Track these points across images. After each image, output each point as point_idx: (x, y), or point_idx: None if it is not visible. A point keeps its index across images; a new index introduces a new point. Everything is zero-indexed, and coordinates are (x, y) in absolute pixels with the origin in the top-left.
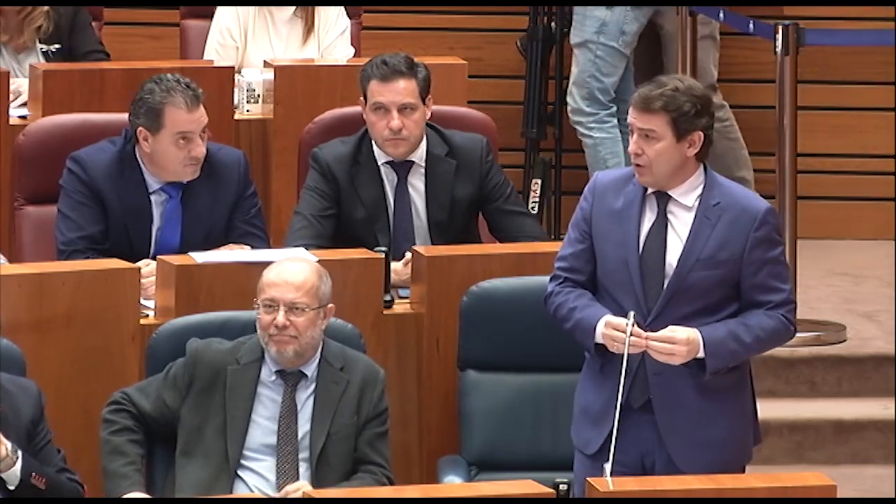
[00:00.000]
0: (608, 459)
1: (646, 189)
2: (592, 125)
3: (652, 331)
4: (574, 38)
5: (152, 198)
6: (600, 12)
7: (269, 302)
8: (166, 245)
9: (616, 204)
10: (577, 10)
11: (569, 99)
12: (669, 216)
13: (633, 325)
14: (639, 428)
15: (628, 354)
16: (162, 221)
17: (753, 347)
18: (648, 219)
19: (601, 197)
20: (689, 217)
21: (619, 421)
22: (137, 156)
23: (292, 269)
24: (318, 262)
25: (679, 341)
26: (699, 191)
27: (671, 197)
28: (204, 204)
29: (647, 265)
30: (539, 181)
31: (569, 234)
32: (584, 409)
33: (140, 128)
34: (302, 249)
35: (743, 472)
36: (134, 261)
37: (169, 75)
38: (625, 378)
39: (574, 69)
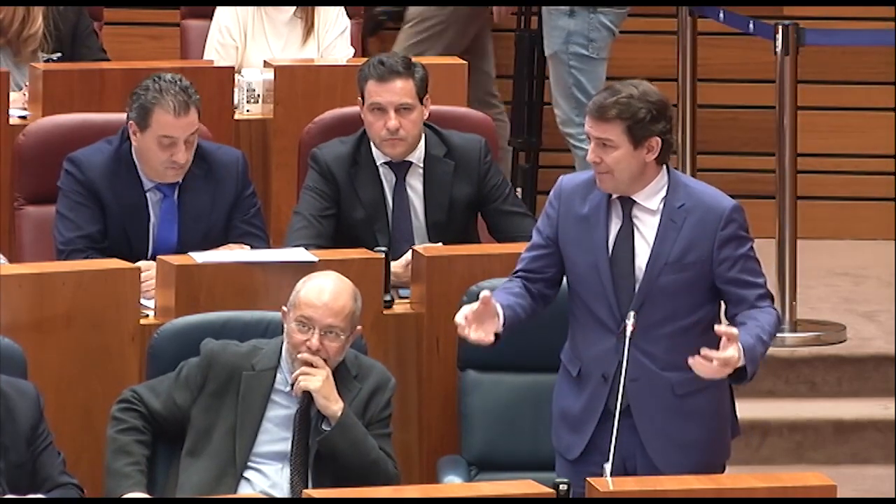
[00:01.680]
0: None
1: (610, 194)
2: (583, 137)
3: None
4: (546, 49)
5: (148, 195)
6: (563, 22)
7: (304, 321)
8: (164, 243)
9: (582, 209)
10: (545, 21)
11: (557, 111)
12: (635, 220)
13: (632, 325)
14: (620, 432)
15: (628, 353)
16: (157, 220)
17: (768, 344)
18: (615, 224)
19: (567, 202)
20: (654, 221)
21: (599, 425)
22: (133, 154)
23: (331, 290)
24: (319, 261)
25: (730, 361)
26: (663, 193)
27: (635, 201)
28: (202, 203)
29: (618, 270)
30: (520, 189)
31: (533, 237)
32: (563, 413)
33: (131, 122)
34: (302, 249)
35: (723, 470)
36: (133, 260)
37: (169, 75)
38: (623, 381)
39: (553, 81)
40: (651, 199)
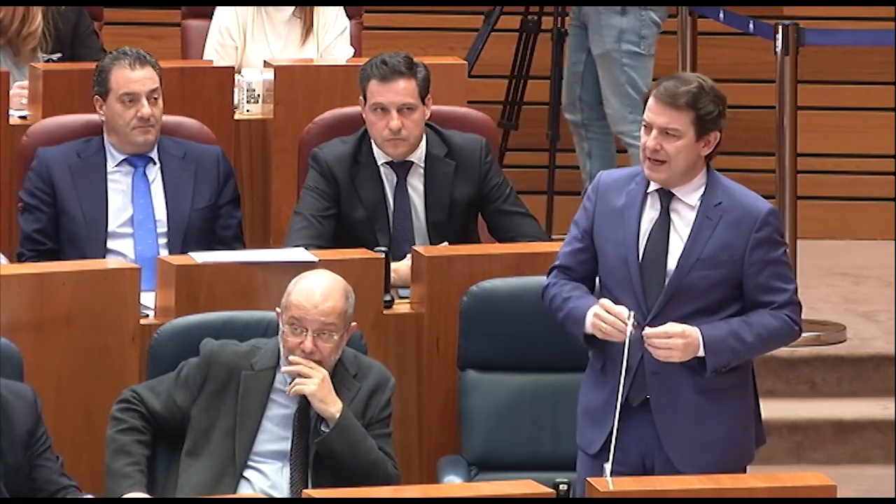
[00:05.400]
0: (608, 459)
1: (647, 186)
2: (637, 134)
3: (638, 330)
4: (595, 48)
5: (113, 176)
6: (616, 20)
7: (296, 322)
8: (145, 214)
9: (618, 203)
10: (592, 19)
11: (608, 111)
12: (672, 214)
13: (632, 324)
14: (639, 428)
15: (628, 352)
16: (132, 194)
17: (756, 346)
18: (649, 217)
19: (604, 196)
20: (690, 216)
21: (620, 421)
22: (104, 138)
23: (321, 290)
24: (319, 261)
25: (674, 334)
26: (701, 190)
27: (674, 196)
28: (184, 180)
29: (648, 264)
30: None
31: (570, 231)
32: (586, 408)
33: (96, 96)
34: (302, 249)
35: (744, 472)
36: (95, 237)
37: (127, 47)
38: (624, 377)
39: (605, 79)
40: (691, 195)
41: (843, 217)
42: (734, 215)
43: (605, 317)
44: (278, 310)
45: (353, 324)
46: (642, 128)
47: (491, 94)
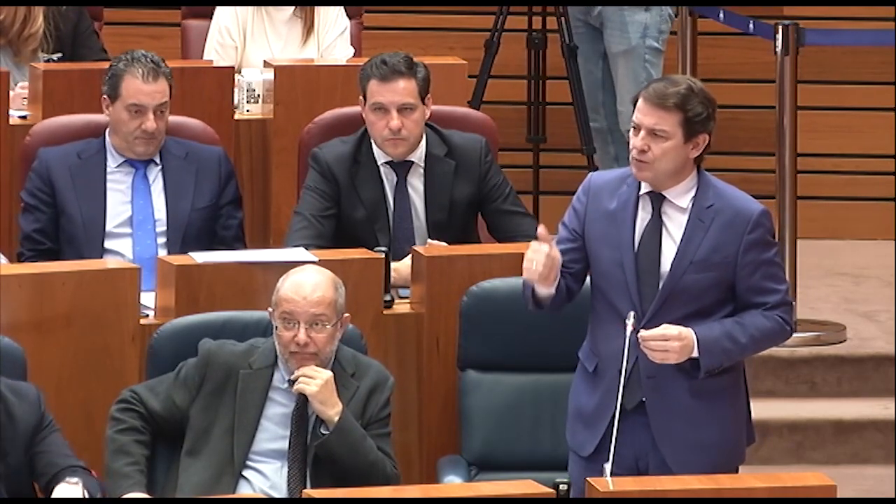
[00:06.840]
0: (606, 460)
1: (639, 189)
2: None
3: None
4: (618, 46)
5: (113, 177)
6: (640, 16)
7: (287, 316)
8: (144, 214)
9: (610, 205)
10: (613, 18)
11: (621, 108)
12: (664, 217)
13: (632, 325)
14: (633, 430)
15: (627, 354)
16: (130, 194)
17: (749, 347)
18: (642, 219)
19: (595, 198)
20: (682, 219)
21: (612, 424)
22: (106, 139)
23: (308, 282)
24: (319, 261)
25: (671, 336)
26: (693, 192)
27: (665, 198)
28: (185, 180)
29: (643, 267)
30: None
31: (559, 233)
32: (578, 410)
33: (104, 96)
34: (302, 249)
35: (736, 472)
36: (92, 237)
37: (141, 51)
38: (624, 379)
39: (624, 77)
40: (682, 197)
41: (843, 217)
42: (726, 217)
43: (530, 256)
44: (270, 309)
45: (346, 315)
46: (631, 129)
47: (491, 94)
